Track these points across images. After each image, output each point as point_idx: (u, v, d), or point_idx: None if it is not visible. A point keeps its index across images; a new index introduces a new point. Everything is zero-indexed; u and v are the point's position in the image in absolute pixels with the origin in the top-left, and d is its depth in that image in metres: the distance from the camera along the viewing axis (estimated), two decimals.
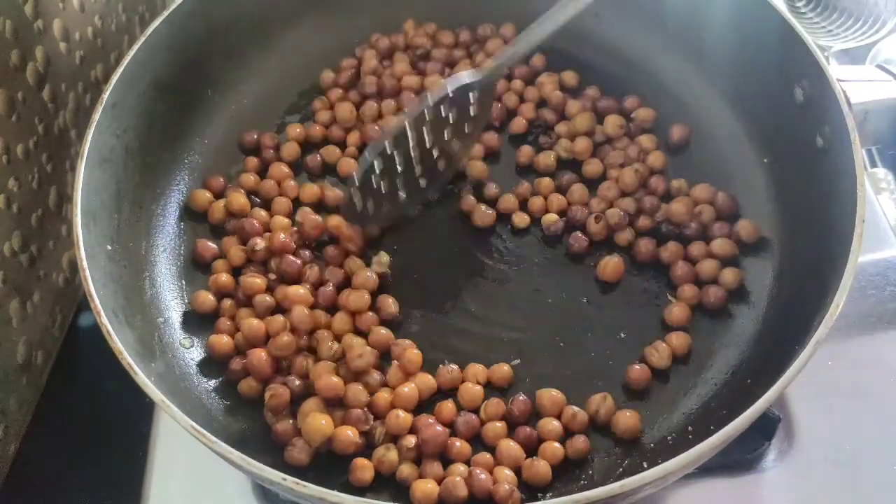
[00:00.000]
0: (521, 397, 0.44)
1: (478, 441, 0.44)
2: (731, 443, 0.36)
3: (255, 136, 0.57)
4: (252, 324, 0.46)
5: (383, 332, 0.47)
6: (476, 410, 0.45)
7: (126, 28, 0.59)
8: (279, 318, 0.46)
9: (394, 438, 0.43)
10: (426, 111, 0.48)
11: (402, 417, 0.43)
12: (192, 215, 0.53)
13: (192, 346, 0.48)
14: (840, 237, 0.40)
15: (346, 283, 0.49)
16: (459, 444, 0.43)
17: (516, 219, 0.53)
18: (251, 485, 0.46)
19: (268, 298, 0.48)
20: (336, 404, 0.44)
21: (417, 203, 0.53)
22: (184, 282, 0.51)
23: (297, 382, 0.44)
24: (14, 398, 0.48)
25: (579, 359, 0.47)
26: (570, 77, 0.59)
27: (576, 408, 0.44)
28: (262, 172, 0.56)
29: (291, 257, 0.49)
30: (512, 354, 0.47)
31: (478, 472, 0.41)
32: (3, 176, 0.46)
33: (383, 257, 0.51)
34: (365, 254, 0.51)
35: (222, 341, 0.47)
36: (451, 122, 0.50)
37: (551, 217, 0.52)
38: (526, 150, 0.56)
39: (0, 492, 0.48)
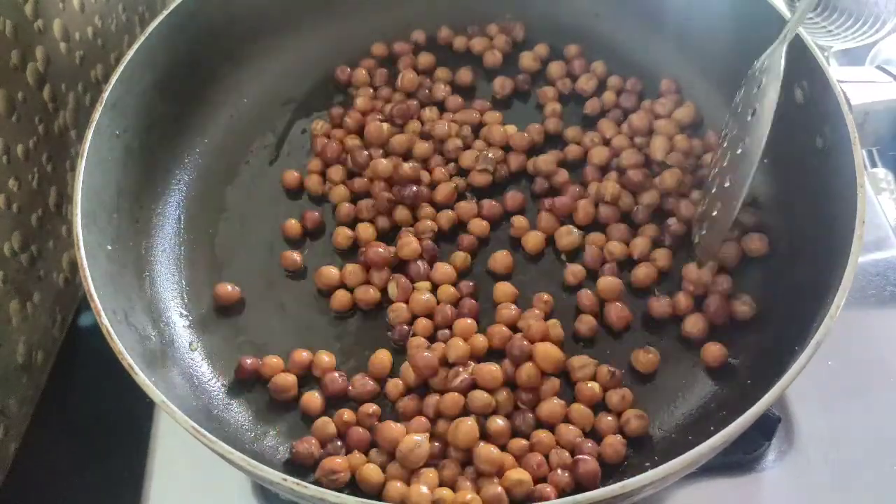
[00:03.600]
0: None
1: None
2: (731, 443, 0.36)
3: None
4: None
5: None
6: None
7: (126, 28, 0.59)
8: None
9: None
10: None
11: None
12: (192, 215, 0.53)
13: (196, 349, 0.48)
14: (840, 237, 0.40)
15: None
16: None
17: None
18: (251, 485, 0.46)
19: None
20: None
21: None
22: (184, 282, 0.51)
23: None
24: (14, 398, 0.48)
25: None
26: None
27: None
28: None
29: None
30: None
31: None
32: (3, 176, 0.46)
33: None
34: None
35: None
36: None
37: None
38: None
39: (0, 492, 0.48)
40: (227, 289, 0.50)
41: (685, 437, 0.43)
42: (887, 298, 0.52)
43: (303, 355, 0.47)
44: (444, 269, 0.50)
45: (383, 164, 0.53)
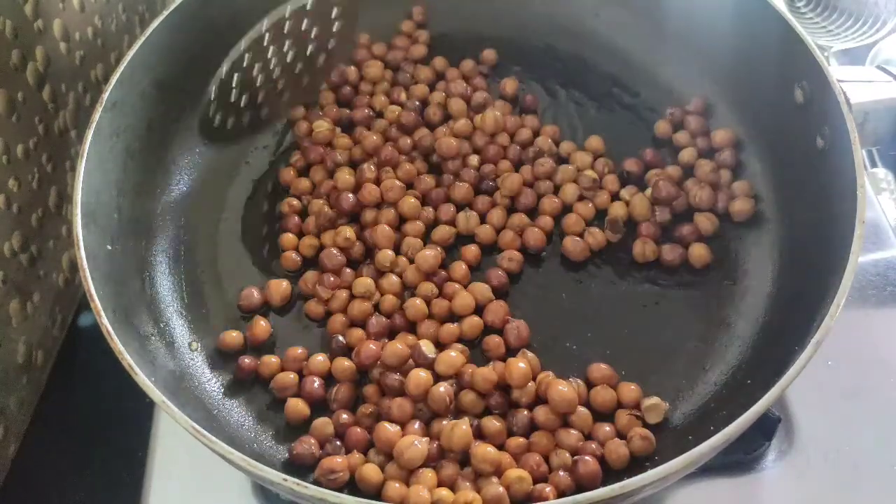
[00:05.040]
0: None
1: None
2: (731, 443, 0.36)
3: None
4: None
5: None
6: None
7: (126, 28, 0.59)
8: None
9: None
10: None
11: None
12: (192, 215, 0.53)
13: (196, 349, 0.48)
14: (840, 237, 0.40)
15: None
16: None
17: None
18: (251, 485, 0.46)
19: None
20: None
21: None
22: (184, 282, 0.51)
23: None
24: (14, 398, 0.48)
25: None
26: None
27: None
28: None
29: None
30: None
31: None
32: (3, 176, 0.46)
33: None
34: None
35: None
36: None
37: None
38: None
39: (0, 492, 0.48)
40: (262, 324, 0.49)
41: (685, 437, 0.43)
42: (887, 298, 0.52)
43: (297, 352, 0.47)
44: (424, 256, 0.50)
45: (345, 177, 0.53)
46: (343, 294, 0.49)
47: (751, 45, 0.51)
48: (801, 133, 0.47)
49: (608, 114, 0.58)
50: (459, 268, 0.50)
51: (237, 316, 0.50)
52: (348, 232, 0.51)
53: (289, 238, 0.53)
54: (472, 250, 0.51)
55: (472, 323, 0.48)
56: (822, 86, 0.45)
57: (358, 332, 0.48)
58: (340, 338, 0.48)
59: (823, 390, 0.48)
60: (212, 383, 0.47)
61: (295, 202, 0.54)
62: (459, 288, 0.49)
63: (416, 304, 0.48)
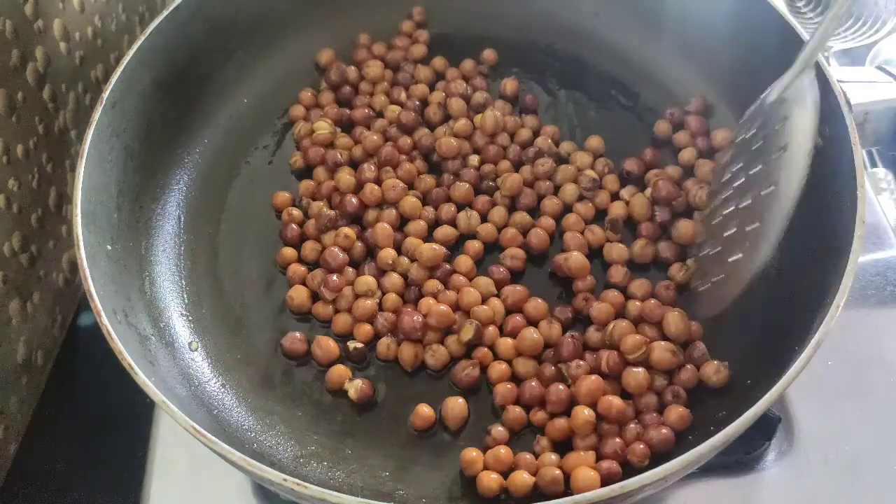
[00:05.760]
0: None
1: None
2: (731, 443, 0.36)
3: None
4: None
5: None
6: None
7: (126, 28, 0.59)
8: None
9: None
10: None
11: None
12: (192, 215, 0.54)
13: (196, 349, 0.48)
14: (840, 238, 0.40)
15: None
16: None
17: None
18: (251, 485, 0.46)
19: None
20: None
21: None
22: (184, 282, 0.51)
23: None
24: (14, 398, 0.49)
25: None
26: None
27: None
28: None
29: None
30: None
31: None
32: (3, 176, 0.46)
33: None
34: None
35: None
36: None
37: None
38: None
39: (0, 492, 0.48)
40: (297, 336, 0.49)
41: (685, 437, 0.43)
42: (887, 298, 0.52)
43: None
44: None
45: (346, 178, 0.53)
46: (348, 293, 0.49)
47: (750, 45, 0.51)
48: None
49: (608, 114, 0.58)
50: (465, 261, 0.50)
51: (236, 316, 0.50)
52: (348, 230, 0.51)
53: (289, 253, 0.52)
54: (474, 245, 0.51)
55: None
56: (822, 86, 0.45)
57: (365, 328, 0.48)
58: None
59: (823, 390, 0.48)
60: (212, 383, 0.47)
61: (295, 212, 0.54)
62: (465, 281, 0.49)
63: (428, 303, 0.48)
